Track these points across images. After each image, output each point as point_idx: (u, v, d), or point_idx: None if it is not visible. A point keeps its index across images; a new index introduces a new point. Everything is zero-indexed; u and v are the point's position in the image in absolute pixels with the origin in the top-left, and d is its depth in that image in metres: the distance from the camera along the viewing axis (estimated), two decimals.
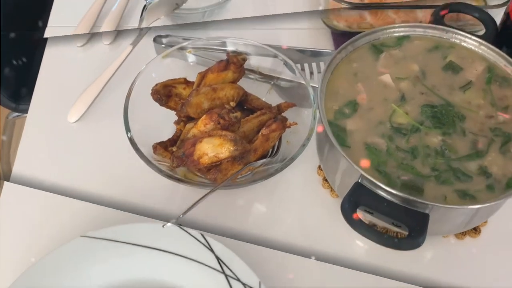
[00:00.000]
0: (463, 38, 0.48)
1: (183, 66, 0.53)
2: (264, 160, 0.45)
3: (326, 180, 0.48)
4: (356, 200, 0.38)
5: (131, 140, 0.43)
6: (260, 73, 0.54)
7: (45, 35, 0.60)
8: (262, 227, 0.46)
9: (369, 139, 0.42)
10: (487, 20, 0.51)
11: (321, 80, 0.45)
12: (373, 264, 0.44)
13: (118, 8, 0.60)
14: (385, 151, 0.41)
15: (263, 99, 0.52)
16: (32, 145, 0.52)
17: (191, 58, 0.54)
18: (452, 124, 0.43)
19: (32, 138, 0.53)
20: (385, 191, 0.37)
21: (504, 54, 0.46)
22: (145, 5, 0.55)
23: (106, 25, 0.58)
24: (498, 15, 0.51)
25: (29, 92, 0.84)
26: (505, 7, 0.50)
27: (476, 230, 0.46)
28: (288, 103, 0.50)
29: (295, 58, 0.57)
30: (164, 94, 0.47)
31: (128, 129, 0.44)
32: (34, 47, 0.88)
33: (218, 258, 0.39)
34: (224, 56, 0.51)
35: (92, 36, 0.59)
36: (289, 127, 0.48)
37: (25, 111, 0.88)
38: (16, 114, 0.91)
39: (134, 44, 0.55)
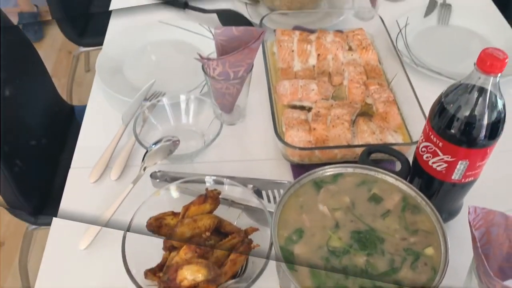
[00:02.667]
0: (383, 175, 0.60)
1: (171, 199, 0.65)
2: (233, 280, 0.55)
3: None
4: None
5: (127, 270, 0.53)
6: (232, 201, 0.66)
7: (68, 180, 0.72)
8: None
9: (312, 262, 0.52)
10: (402, 159, 0.63)
11: (274, 212, 0.56)
12: None
13: (125, 152, 0.74)
14: (324, 273, 0.51)
15: (235, 223, 0.63)
16: (51, 266, 0.62)
17: (177, 193, 0.65)
18: (374, 246, 0.53)
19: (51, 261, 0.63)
20: None
21: (413, 187, 0.58)
22: (146, 152, 0.69)
23: (116, 168, 0.72)
24: (411, 154, 0.64)
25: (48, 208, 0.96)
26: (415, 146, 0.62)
27: None
28: (253, 228, 0.60)
29: (260, 186, 0.69)
30: (156, 225, 0.58)
31: (125, 262, 0.54)
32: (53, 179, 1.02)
33: None
34: (203, 188, 0.63)
35: (103, 173, 0.72)
36: (253, 248, 0.58)
37: (43, 224, 0.99)
38: (35, 226, 1.02)
39: (135, 182, 0.67)
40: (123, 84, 0.87)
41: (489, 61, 0.50)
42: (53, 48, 2.20)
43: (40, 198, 1.00)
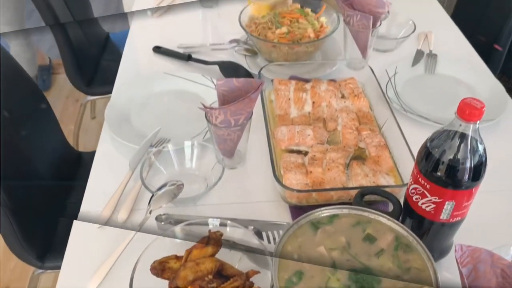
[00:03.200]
0: (377, 215, 0.63)
1: (174, 242, 0.67)
2: None
3: None
4: None
5: None
6: (234, 243, 0.68)
7: (75, 224, 0.75)
8: None
9: None
10: (393, 200, 0.66)
11: (274, 253, 0.58)
12: None
13: (132, 196, 0.77)
14: None
15: (236, 266, 0.65)
16: None
17: (180, 235, 0.68)
18: (371, 286, 0.55)
19: None
20: None
21: (405, 227, 0.61)
22: (151, 196, 0.72)
23: (122, 211, 0.74)
24: (403, 195, 0.67)
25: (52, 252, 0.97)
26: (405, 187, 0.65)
27: None
28: (254, 271, 0.62)
29: (261, 227, 0.71)
30: (160, 268, 0.60)
31: None
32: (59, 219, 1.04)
33: None
34: (206, 231, 0.65)
35: (111, 215, 0.75)
36: None
37: (50, 268, 1.00)
38: (41, 270, 1.02)
39: (141, 225, 0.70)
40: (130, 132, 0.91)
41: (467, 110, 0.54)
42: (60, 96, 2.27)
43: (44, 243, 1.01)
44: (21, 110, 1.04)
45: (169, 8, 1.32)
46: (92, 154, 0.89)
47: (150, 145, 0.85)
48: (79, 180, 1.14)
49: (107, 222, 0.74)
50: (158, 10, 1.30)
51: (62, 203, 1.11)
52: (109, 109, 0.94)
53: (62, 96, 2.27)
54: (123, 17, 2.82)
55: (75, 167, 1.21)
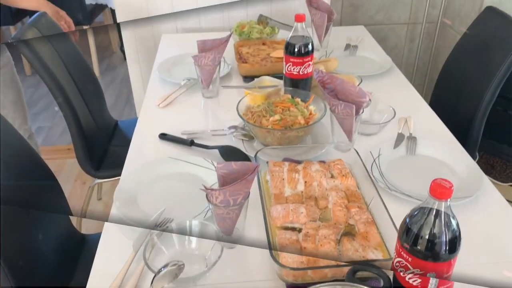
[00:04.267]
0: None
1: None
2: None
3: None
4: None
5: None
6: None
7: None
8: None
9: None
10: (383, 276, 0.69)
11: None
12: None
13: (135, 277, 0.79)
14: None
15: None
16: None
17: None
18: None
19: None
20: None
21: None
22: (154, 276, 0.74)
23: None
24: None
25: None
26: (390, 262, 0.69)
27: None
28: None
29: None
30: None
31: None
32: None
33: None
34: None
35: None
36: None
37: None
38: None
39: None
40: (136, 213, 0.96)
41: (438, 190, 0.60)
42: (69, 179, 2.33)
43: None
44: (31, 194, 1.09)
45: (174, 99, 1.43)
46: (95, 236, 0.91)
47: (155, 224, 0.89)
48: (82, 263, 1.16)
49: None
50: (164, 101, 1.41)
51: (64, 285, 1.11)
52: (118, 194, 0.99)
53: (71, 179, 2.33)
54: (130, 106, 2.99)
55: (79, 250, 1.22)
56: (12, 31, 3.42)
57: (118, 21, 2.06)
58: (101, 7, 3.37)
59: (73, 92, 1.54)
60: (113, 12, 3.38)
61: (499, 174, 2.21)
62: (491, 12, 1.62)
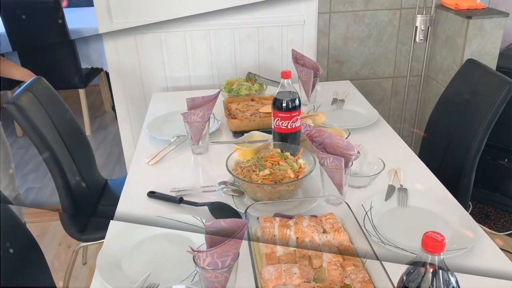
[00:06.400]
0: None
1: None
2: None
3: None
4: None
5: None
6: None
7: None
8: None
9: None
10: None
11: None
12: None
13: None
14: None
15: None
16: None
17: None
18: None
19: None
20: None
21: None
22: None
23: None
24: None
25: None
26: None
27: None
28: None
29: None
30: None
31: None
32: None
33: None
34: None
35: None
36: None
37: None
38: None
39: None
40: (121, 278, 0.91)
41: (430, 243, 0.58)
42: (53, 243, 2.25)
43: None
44: (14, 259, 1.04)
45: (164, 156, 1.43)
46: None
47: None
48: None
49: None
50: (153, 158, 1.40)
51: None
52: (100, 258, 0.95)
53: (55, 243, 2.24)
54: (121, 164, 2.98)
55: None
56: (9, 95, 3.47)
57: (111, 81, 2.10)
58: (96, 71, 3.46)
59: (61, 151, 1.53)
60: (107, 74, 3.47)
61: (494, 223, 2.18)
62: (472, 64, 1.68)
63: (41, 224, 2.38)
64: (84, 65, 3.29)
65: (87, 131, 3.47)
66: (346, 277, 0.86)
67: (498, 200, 2.20)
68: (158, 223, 1.07)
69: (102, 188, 1.81)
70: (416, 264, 0.60)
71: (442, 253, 0.58)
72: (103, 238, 1.05)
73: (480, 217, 0.98)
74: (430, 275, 0.59)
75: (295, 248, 0.96)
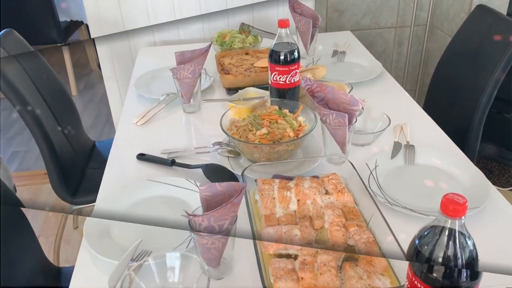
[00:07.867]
0: None
1: None
2: None
3: None
4: None
5: None
6: None
7: None
8: None
9: None
10: None
11: None
12: None
13: None
14: None
15: None
16: None
17: None
18: None
19: None
20: None
21: None
22: None
23: None
24: None
25: None
26: None
27: None
28: None
29: None
30: None
31: None
32: None
33: None
34: None
35: None
36: None
37: None
38: None
39: None
40: (110, 246, 0.87)
41: (451, 206, 0.53)
42: (46, 206, 2.22)
43: None
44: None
45: (153, 116, 1.36)
46: (72, 269, 0.83)
47: (131, 258, 0.81)
48: None
49: None
50: (142, 118, 1.33)
51: None
52: (88, 224, 0.90)
53: (48, 207, 2.22)
54: (110, 125, 2.90)
55: (53, 285, 1.13)
56: None
57: (92, 36, 1.98)
58: (76, 24, 3.27)
59: (44, 112, 1.45)
60: (88, 28, 3.30)
61: (497, 179, 2.16)
62: (482, 10, 1.59)
63: (32, 187, 2.34)
64: (62, 17, 3.10)
65: (73, 91, 3.35)
66: (349, 238, 0.83)
67: (503, 155, 2.17)
68: (148, 188, 1.02)
69: (90, 150, 1.75)
70: (433, 228, 0.55)
71: (463, 217, 0.53)
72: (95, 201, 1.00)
73: (484, 172, 0.95)
74: (446, 238, 0.54)
75: (295, 209, 0.92)
